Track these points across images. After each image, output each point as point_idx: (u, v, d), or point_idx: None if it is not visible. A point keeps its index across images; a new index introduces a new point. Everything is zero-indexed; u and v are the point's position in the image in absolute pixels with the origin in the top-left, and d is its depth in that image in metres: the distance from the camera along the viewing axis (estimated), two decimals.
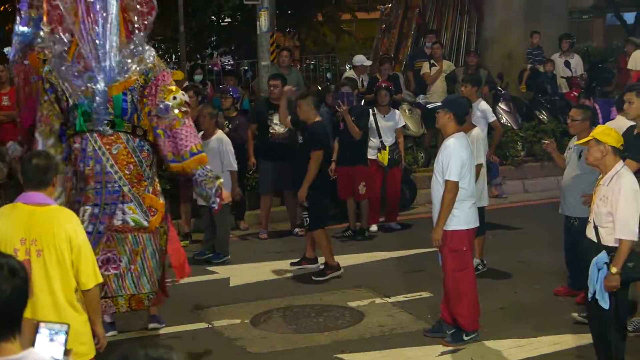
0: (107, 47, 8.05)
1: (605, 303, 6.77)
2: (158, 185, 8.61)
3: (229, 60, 22.90)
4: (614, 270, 6.70)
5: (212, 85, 16.65)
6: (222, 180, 8.59)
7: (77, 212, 7.82)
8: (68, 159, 8.33)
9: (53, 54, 8.22)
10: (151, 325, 9.00)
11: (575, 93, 16.85)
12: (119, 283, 8.23)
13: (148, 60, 8.30)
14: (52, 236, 5.59)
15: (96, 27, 8.01)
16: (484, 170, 10.32)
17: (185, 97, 8.48)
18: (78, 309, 5.71)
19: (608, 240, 6.86)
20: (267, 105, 12.88)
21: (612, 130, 7.11)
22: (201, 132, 11.64)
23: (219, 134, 11.73)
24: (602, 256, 6.79)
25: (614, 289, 6.75)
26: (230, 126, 12.71)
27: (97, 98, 8.03)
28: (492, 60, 19.07)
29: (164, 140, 8.30)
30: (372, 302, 9.80)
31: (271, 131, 12.60)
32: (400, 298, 9.89)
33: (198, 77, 15.89)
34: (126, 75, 8.14)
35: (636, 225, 6.77)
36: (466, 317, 8.42)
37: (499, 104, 15.95)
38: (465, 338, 8.39)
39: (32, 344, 3.20)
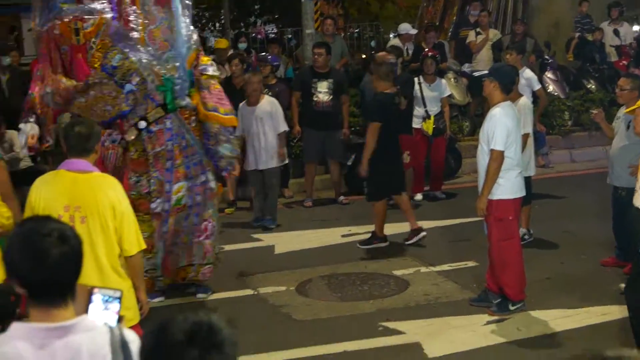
0: (178, 24, 8.26)
1: None
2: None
3: (272, 29, 22.89)
4: None
5: (256, 54, 16.62)
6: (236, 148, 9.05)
7: (168, 192, 8.17)
8: (133, 145, 8.50)
9: (107, 25, 8.28)
10: (199, 295, 9.08)
11: (624, 62, 16.62)
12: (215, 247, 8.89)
13: (195, 38, 8.70)
14: (95, 203, 5.66)
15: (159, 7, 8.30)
16: (530, 140, 10.24)
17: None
18: (122, 274, 5.78)
19: None
20: (311, 74, 12.85)
21: None
22: (244, 101, 11.76)
23: (267, 97, 11.87)
24: None
25: None
26: (270, 94, 12.72)
27: (180, 73, 8.27)
28: (539, 29, 18.80)
29: (206, 93, 8.65)
30: (417, 271, 9.79)
31: (315, 99, 12.57)
32: (445, 267, 9.87)
33: (242, 46, 15.88)
34: (191, 51, 8.45)
35: None
36: (512, 286, 8.38)
37: (546, 73, 15.78)
38: (511, 308, 8.36)
39: (86, 311, 3.22)
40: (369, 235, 10.83)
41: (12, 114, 12.93)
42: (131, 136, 8.36)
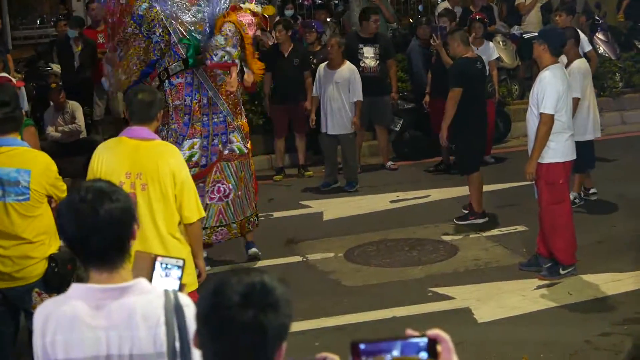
0: None
1: None
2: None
3: None
4: None
5: (302, 20, 16.56)
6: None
7: (180, 145, 8.10)
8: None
9: None
10: (251, 251, 9.16)
11: None
12: (231, 210, 8.62)
13: None
14: (156, 170, 5.71)
15: None
16: (587, 103, 10.13)
17: None
18: (182, 241, 5.84)
19: None
20: (357, 39, 12.78)
21: None
22: (325, 62, 11.87)
23: (349, 64, 11.83)
24: None
25: None
26: (315, 61, 12.69)
27: (209, 29, 8.20)
28: None
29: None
30: (466, 236, 9.75)
31: (362, 65, 12.49)
32: (495, 232, 9.82)
33: (289, 12, 15.81)
34: (225, 7, 8.26)
35: None
36: (563, 250, 8.31)
37: (596, 34, 15.50)
38: (562, 272, 8.30)
39: (150, 278, 3.28)
40: (466, 211, 10.38)
41: (82, 85, 13.11)
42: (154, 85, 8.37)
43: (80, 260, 3.23)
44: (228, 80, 8.33)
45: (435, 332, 2.23)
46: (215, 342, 2.38)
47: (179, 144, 8.27)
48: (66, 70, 13.50)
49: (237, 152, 8.63)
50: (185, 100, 8.42)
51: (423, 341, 2.21)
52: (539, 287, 8.17)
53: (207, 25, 8.28)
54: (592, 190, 10.76)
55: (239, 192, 8.67)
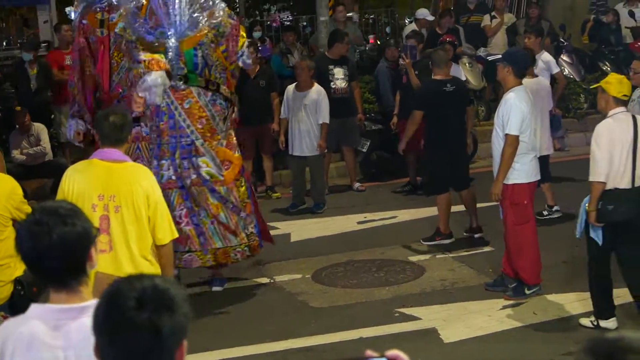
0: (177, 1, 8.18)
1: (599, 239, 7.39)
2: (234, 139, 8.84)
3: (287, 16, 22.84)
4: (587, 208, 7.37)
5: (271, 42, 16.62)
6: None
7: (155, 168, 8.10)
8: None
9: (127, 11, 8.31)
10: (214, 288, 9.06)
11: (639, 44, 16.51)
12: (204, 237, 8.48)
13: (217, 14, 8.41)
14: (130, 192, 5.73)
15: None
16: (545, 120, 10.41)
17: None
18: (153, 262, 5.87)
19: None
20: (327, 61, 12.84)
21: (616, 80, 7.52)
22: (293, 84, 11.96)
23: (317, 86, 11.92)
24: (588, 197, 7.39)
25: (595, 225, 7.34)
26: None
27: (169, 53, 8.18)
28: (554, 12, 18.69)
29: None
30: (433, 257, 9.81)
31: (333, 87, 12.55)
32: (462, 252, 9.88)
33: (257, 34, 15.85)
34: (195, 30, 8.27)
35: (603, 168, 7.29)
36: (528, 270, 8.38)
37: (562, 56, 15.69)
38: (527, 292, 8.37)
39: None
40: (433, 231, 10.40)
41: (40, 107, 13.04)
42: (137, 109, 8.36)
43: (39, 280, 3.26)
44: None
45: (394, 352, 2.27)
46: (113, 347, 2.40)
47: (154, 167, 8.27)
48: (23, 93, 13.42)
49: (208, 177, 8.50)
50: (155, 122, 8.42)
51: None
52: (504, 307, 8.23)
53: (170, 48, 8.26)
54: (555, 208, 10.90)
55: (214, 220, 8.52)
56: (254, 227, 8.84)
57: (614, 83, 7.50)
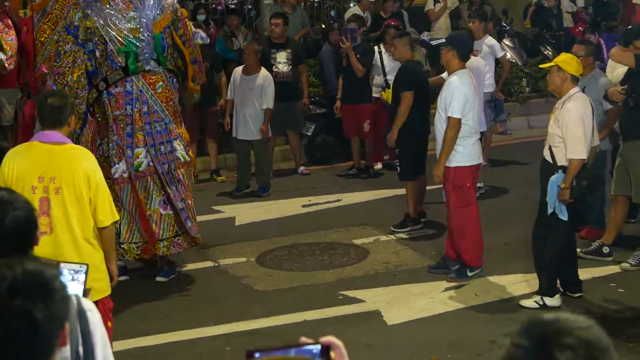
0: None
1: (563, 215, 7.52)
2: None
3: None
4: (562, 185, 7.42)
5: (215, 25, 16.52)
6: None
7: (129, 157, 8.08)
8: (97, 106, 8.40)
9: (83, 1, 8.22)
10: (158, 278, 8.91)
11: (580, 28, 16.68)
12: (182, 218, 8.49)
13: None
14: (70, 174, 5.69)
15: None
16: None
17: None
18: (95, 246, 5.81)
19: (560, 159, 7.48)
20: (269, 45, 12.80)
21: (573, 59, 7.67)
22: (241, 67, 11.89)
23: (264, 71, 11.87)
24: (560, 176, 7.45)
25: (567, 202, 7.46)
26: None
27: (146, 35, 8.16)
28: None
29: (194, 67, 8.83)
30: (377, 240, 9.86)
31: (275, 70, 12.53)
32: (405, 235, 9.93)
33: (201, 17, 15.72)
34: (162, 14, 8.30)
35: (583, 146, 7.38)
36: (470, 253, 8.47)
37: (504, 40, 15.81)
38: (469, 274, 8.46)
39: None
40: (402, 217, 10.22)
41: None
42: (92, 97, 8.29)
43: None
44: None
45: (328, 339, 2.28)
46: None
47: (127, 156, 8.22)
48: None
49: (182, 159, 8.53)
50: (126, 110, 8.32)
51: (317, 348, 2.25)
52: (447, 289, 8.31)
53: (145, 31, 8.25)
54: (479, 184, 10.83)
55: (189, 201, 8.58)
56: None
57: (573, 62, 7.62)
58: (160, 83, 8.46)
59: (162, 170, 8.35)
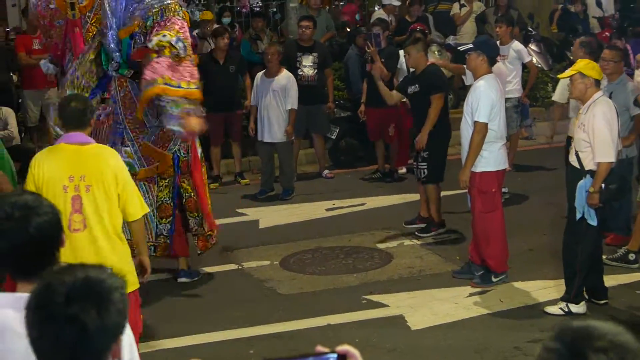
0: None
1: (593, 220, 7.45)
2: (171, 136, 8.36)
3: (257, 2, 22.74)
4: (591, 190, 7.33)
5: (240, 28, 16.56)
6: (186, 106, 7.92)
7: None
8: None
9: None
10: (180, 279, 8.93)
11: (607, 33, 16.62)
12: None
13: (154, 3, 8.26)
14: (99, 172, 5.90)
15: None
16: None
17: (178, 44, 7.98)
18: (124, 240, 6.05)
19: (588, 164, 7.41)
20: (296, 48, 12.82)
21: (593, 64, 7.66)
22: (262, 71, 11.90)
23: (286, 72, 11.88)
24: (588, 180, 7.37)
25: (596, 206, 7.39)
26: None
27: (109, 39, 8.16)
28: (522, 1, 18.80)
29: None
30: (401, 244, 9.84)
31: (300, 73, 12.54)
32: (429, 240, 9.91)
33: (226, 20, 15.77)
34: (132, 20, 8.23)
35: (611, 149, 7.32)
36: (495, 258, 8.43)
37: (530, 45, 15.73)
38: (494, 279, 8.42)
39: None
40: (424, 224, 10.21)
41: (0, 90, 12.93)
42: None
43: (7, 272, 3.20)
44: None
45: (344, 347, 2.28)
46: (41, 342, 2.39)
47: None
48: None
49: (139, 169, 8.35)
50: (109, 107, 8.44)
51: (333, 357, 2.25)
52: (471, 295, 8.27)
53: (110, 34, 8.20)
54: (503, 190, 10.81)
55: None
56: (168, 231, 8.61)
57: (594, 67, 7.61)
58: (123, 88, 8.40)
59: None
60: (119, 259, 5.88)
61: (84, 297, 2.37)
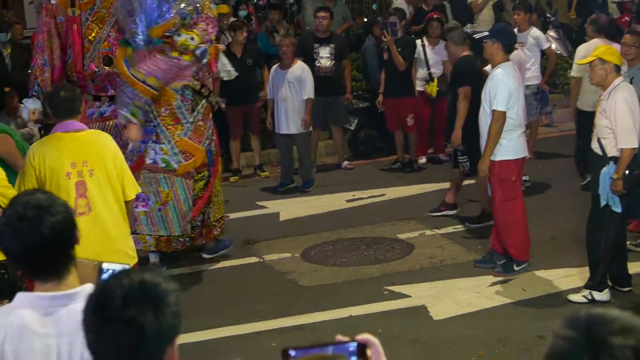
0: None
1: (617, 207, 7.38)
2: (205, 131, 8.68)
3: None
4: (615, 176, 7.25)
5: (257, 20, 16.53)
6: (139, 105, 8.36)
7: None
8: None
9: None
10: (206, 255, 9.18)
11: (626, 18, 16.48)
12: (147, 222, 8.55)
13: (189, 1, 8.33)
14: (100, 156, 6.10)
15: None
16: None
17: (194, 43, 8.30)
18: (126, 218, 6.27)
19: (610, 150, 7.33)
20: (312, 39, 12.80)
21: (613, 49, 7.69)
22: (276, 64, 11.94)
23: (300, 63, 11.87)
24: (612, 167, 7.30)
25: (620, 192, 7.30)
26: None
27: (139, 38, 8.16)
28: None
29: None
30: (422, 234, 9.81)
31: (317, 65, 12.51)
32: (450, 229, 9.88)
33: (243, 13, 15.76)
34: (166, 18, 8.21)
35: (634, 134, 7.25)
36: (517, 247, 8.40)
37: (548, 31, 15.63)
38: (516, 268, 8.38)
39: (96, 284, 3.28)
40: (441, 206, 10.36)
41: (16, 88, 12.96)
42: None
43: (23, 272, 3.21)
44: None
45: (364, 336, 2.28)
46: (99, 344, 2.40)
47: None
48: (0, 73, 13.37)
49: (162, 165, 8.55)
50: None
51: (353, 345, 2.25)
52: (493, 284, 8.24)
53: (138, 33, 8.25)
54: (524, 178, 10.72)
55: (162, 207, 8.59)
56: (199, 220, 8.87)
57: (613, 52, 7.58)
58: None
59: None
60: (122, 236, 6.14)
61: (140, 300, 2.39)
